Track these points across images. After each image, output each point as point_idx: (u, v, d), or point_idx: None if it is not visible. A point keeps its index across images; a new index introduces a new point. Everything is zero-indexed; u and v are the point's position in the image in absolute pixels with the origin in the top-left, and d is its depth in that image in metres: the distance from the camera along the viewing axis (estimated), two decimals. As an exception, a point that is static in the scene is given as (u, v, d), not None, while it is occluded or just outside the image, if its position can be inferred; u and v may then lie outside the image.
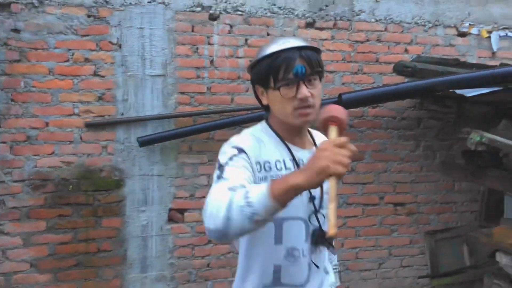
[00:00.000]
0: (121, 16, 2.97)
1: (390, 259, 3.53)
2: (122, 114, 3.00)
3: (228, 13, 3.15)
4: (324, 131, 1.16)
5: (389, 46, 3.44)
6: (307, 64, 1.30)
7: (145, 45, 3.02)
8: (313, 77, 1.32)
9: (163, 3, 3.04)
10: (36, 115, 2.88)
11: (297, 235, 1.34)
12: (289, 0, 3.24)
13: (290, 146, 1.38)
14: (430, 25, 3.50)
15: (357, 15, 3.37)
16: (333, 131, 1.12)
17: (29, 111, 2.87)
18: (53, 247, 2.92)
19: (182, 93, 3.10)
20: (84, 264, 2.96)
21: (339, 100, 3.00)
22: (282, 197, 1.05)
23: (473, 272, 3.57)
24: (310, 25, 3.29)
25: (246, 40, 3.18)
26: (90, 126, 2.96)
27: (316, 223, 1.36)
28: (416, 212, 3.56)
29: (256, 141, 1.34)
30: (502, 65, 3.31)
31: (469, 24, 3.57)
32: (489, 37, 3.61)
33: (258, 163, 1.31)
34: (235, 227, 1.07)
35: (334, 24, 3.32)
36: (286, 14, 3.24)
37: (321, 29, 3.30)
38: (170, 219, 3.10)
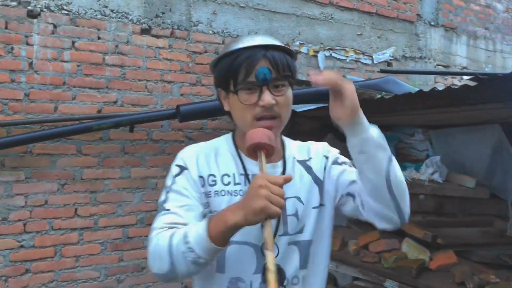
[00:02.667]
0: None
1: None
2: None
3: (52, 11, 2.80)
4: (252, 157, 1.11)
5: (226, 59, 3.44)
6: (272, 66, 1.11)
7: None
8: (281, 83, 1.13)
9: (-33, -8, 2.57)
10: None
11: (243, 263, 1.14)
12: (123, 4, 3.03)
13: (248, 160, 1.19)
14: (265, 41, 3.61)
15: (195, 25, 3.30)
16: (263, 159, 1.06)
17: None
18: None
19: (-7, 99, 2.65)
20: None
21: (177, 112, 2.90)
22: (221, 237, 0.99)
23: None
24: (146, 31, 3.12)
25: (73, 42, 2.87)
26: None
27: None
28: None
29: (205, 153, 1.21)
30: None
31: (300, 43, 3.78)
32: (316, 56, 3.88)
33: (201, 177, 1.17)
34: (182, 272, 1.03)
35: (172, 33, 3.20)
36: (119, 18, 3.01)
37: (157, 36, 3.15)
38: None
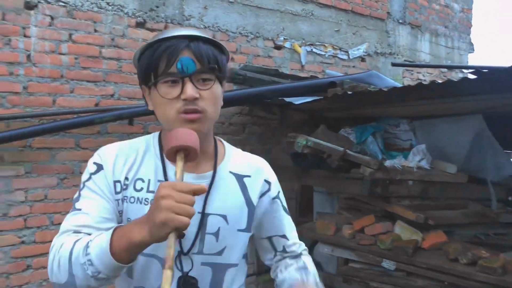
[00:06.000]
0: None
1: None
2: None
3: (49, 3, 2.76)
4: (172, 161, 0.97)
5: (217, 53, 3.51)
6: (196, 57, 1.02)
7: None
8: (207, 76, 1.04)
9: (-36, -19, 2.48)
10: None
11: (149, 276, 1.08)
12: (118, -3, 3.02)
13: (169, 164, 1.09)
14: (252, 36, 3.71)
15: (187, 19, 3.35)
16: (179, 164, 0.93)
17: None
18: None
19: (-9, 92, 2.59)
20: None
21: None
22: (124, 254, 0.91)
23: (291, 264, 3.91)
24: (140, 25, 3.13)
25: (71, 35, 2.84)
26: None
27: (185, 268, 1.08)
28: (243, 213, 3.71)
29: (124, 153, 1.11)
30: (312, 77, 3.74)
31: (284, 38, 3.91)
32: (299, 51, 4.03)
33: (118, 181, 1.08)
34: (81, 285, 0.95)
35: (165, 26, 3.23)
36: (115, 11, 3.01)
37: (152, 30, 3.17)
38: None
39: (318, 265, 3.63)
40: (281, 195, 1.26)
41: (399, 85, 3.14)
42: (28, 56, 2.70)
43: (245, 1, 3.65)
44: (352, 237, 2.94)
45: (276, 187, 1.24)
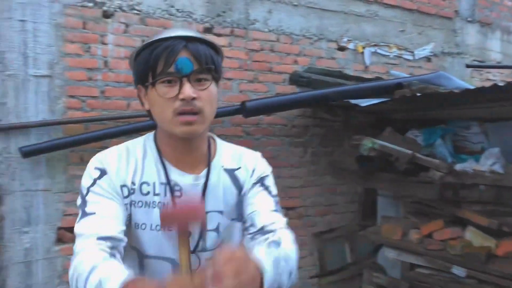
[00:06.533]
0: (-3, 5, 2.53)
1: (284, 262, 3.63)
2: (0, 120, 2.55)
3: (124, 11, 2.91)
4: (177, 167, 1.06)
5: (280, 57, 3.55)
6: (194, 58, 1.04)
7: (28, 40, 2.61)
8: (204, 76, 1.07)
9: (50, -6, 2.68)
10: None
11: (159, 276, 1.10)
12: (187, 3, 3.13)
13: (170, 166, 1.13)
14: (316, 38, 3.72)
15: (252, 24, 3.41)
16: (183, 250, 0.96)
17: None
18: None
19: (72, 96, 2.76)
20: (-51, 302, 2.44)
21: (242, 107, 3.00)
22: None
23: (354, 268, 3.88)
24: (208, 30, 3.22)
25: (143, 41, 2.96)
26: (-44, 134, 2.45)
27: (193, 265, 1.09)
28: (305, 215, 3.73)
29: (125, 158, 1.12)
30: (377, 78, 3.69)
31: (347, 40, 3.88)
32: (363, 52, 3.99)
33: (125, 186, 1.10)
34: None
35: (231, 31, 3.31)
36: (184, 17, 3.12)
37: (218, 35, 3.26)
38: (59, 240, 2.73)
39: (381, 269, 3.58)
40: (267, 181, 1.23)
41: (470, 86, 3.03)
42: (105, 62, 2.86)
43: (309, 4, 3.66)
44: (419, 241, 2.88)
45: (258, 174, 1.22)
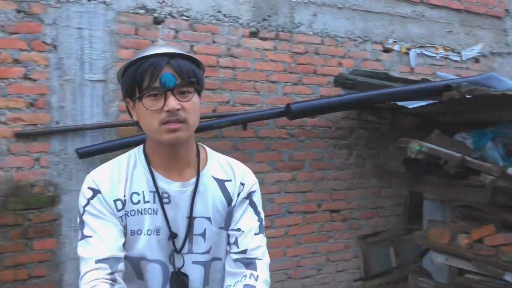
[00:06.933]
0: (56, 14, 2.67)
1: (328, 265, 3.64)
2: (58, 122, 2.69)
3: (174, 17, 3.01)
4: (163, 174, 1.19)
5: (325, 59, 3.56)
6: (176, 73, 1.14)
7: (84, 47, 2.74)
8: (186, 89, 1.16)
9: (104, 2, 2.79)
10: (-47, 123, 2.46)
11: (153, 277, 1.23)
12: (234, 8, 3.20)
13: (158, 174, 1.22)
14: (360, 40, 3.70)
15: (297, 27, 3.44)
16: None
17: None
18: (-27, 278, 2.50)
19: (125, 100, 2.88)
20: (12, 295, 2.58)
21: (287, 110, 3.03)
22: None
23: (399, 272, 3.83)
24: (253, 34, 3.28)
25: (192, 46, 3.06)
26: (20, 136, 2.60)
27: (177, 264, 1.23)
28: (350, 218, 3.72)
29: (117, 172, 1.22)
30: (423, 80, 3.63)
31: (393, 41, 3.85)
32: (408, 53, 3.94)
33: (118, 200, 1.19)
34: None
35: (276, 35, 3.35)
36: (231, 22, 3.19)
37: (264, 39, 3.31)
38: (112, 237, 2.84)
39: (427, 274, 3.52)
40: (255, 197, 1.31)
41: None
42: (156, 67, 2.95)
43: (354, 6, 3.65)
44: (469, 247, 2.82)
45: (248, 189, 1.30)
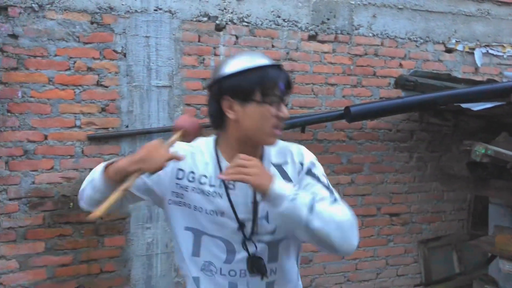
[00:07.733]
0: (126, 24, 2.83)
1: (387, 269, 3.59)
2: (127, 126, 2.85)
3: (234, 23, 3.10)
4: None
5: (385, 61, 3.52)
6: (288, 83, 1.30)
7: (151, 54, 2.89)
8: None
9: (170, 11, 2.93)
10: (35, 128, 2.67)
11: (215, 252, 1.32)
12: (293, 13, 3.24)
13: (226, 162, 1.31)
14: (422, 41, 3.63)
15: (356, 29, 3.43)
16: (175, 134, 1.27)
17: (27, 123, 2.65)
18: (52, 270, 2.70)
19: (188, 104, 3.00)
20: (86, 287, 2.76)
21: (346, 113, 3.03)
22: (111, 174, 1.22)
23: (462, 279, 3.71)
24: (312, 38, 3.30)
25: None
26: (92, 139, 2.78)
27: (251, 250, 1.31)
28: (410, 222, 3.65)
29: (192, 152, 1.34)
30: (489, 80, 3.51)
31: (456, 41, 3.74)
32: (472, 53, 3.81)
33: (181, 170, 1.32)
34: (82, 189, 1.33)
35: (335, 38, 3.36)
36: (290, 26, 3.23)
37: (322, 42, 3.33)
38: (176, 236, 2.97)
39: (493, 281, 3.39)
40: (315, 170, 1.36)
41: None
42: (217, 72, 3.05)
43: (415, 6, 3.59)
44: (539, 254, 2.70)
45: (308, 164, 1.36)
